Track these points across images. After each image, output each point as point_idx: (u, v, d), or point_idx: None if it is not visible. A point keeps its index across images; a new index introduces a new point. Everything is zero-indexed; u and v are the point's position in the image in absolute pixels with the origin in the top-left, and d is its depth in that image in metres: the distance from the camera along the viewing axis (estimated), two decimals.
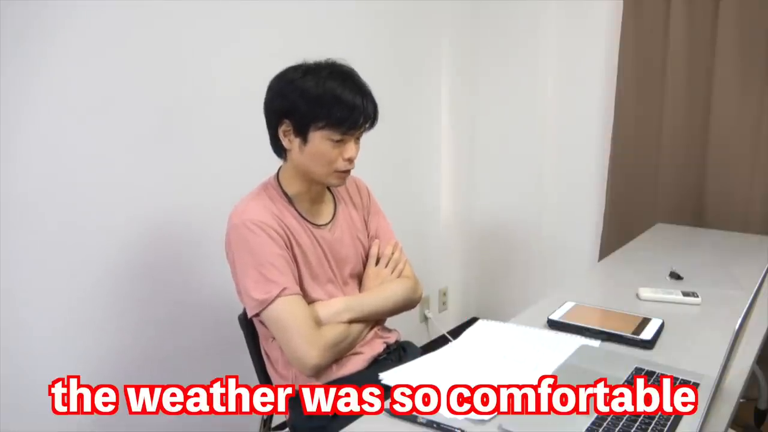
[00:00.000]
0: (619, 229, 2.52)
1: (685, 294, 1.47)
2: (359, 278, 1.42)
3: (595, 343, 1.24)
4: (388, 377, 1.10)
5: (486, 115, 2.94)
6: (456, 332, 1.31)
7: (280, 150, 1.29)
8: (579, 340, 1.24)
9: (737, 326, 0.80)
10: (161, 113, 1.71)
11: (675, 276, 1.64)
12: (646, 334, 1.24)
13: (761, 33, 2.10)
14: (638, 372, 1.07)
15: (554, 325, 1.32)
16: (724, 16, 2.14)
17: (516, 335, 1.28)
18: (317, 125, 1.19)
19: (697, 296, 1.46)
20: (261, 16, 1.93)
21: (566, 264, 2.83)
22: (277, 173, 1.33)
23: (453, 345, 1.25)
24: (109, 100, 1.59)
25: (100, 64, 1.55)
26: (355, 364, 1.31)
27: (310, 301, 1.27)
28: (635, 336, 1.23)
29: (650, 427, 0.90)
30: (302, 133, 1.21)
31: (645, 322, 1.30)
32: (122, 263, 1.66)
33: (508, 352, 1.19)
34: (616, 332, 1.25)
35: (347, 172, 1.27)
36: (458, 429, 0.91)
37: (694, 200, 2.35)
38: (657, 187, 2.41)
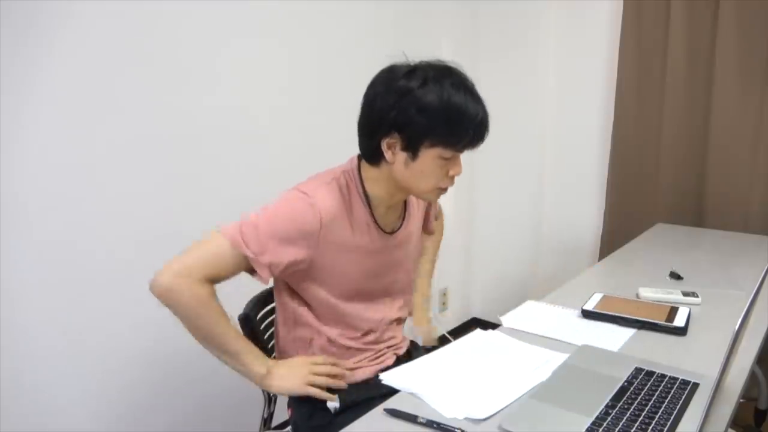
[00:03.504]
0: (619, 229, 2.52)
1: (685, 294, 1.47)
2: (394, 293, 1.35)
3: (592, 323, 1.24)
4: (388, 377, 1.10)
5: None
6: (456, 332, 1.30)
7: (376, 158, 1.16)
8: (580, 340, 1.24)
9: (737, 326, 0.80)
10: (162, 113, 1.70)
11: (675, 276, 1.64)
12: (679, 321, 1.28)
13: (761, 33, 2.10)
14: (638, 372, 1.07)
15: (588, 315, 1.35)
16: (724, 16, 2.14)
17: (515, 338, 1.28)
18: (432, 142, 1.09)
19: (697, 296, 1.46)
20: (261, 16, 1.93)
21: (566, 264, 2.84)
22: (359, 167, 1.21)
23: (453, 345, 1.25)
24: (110, 101, 1.59)
25: (100, 64, 1.55)
26: (364, 373, 1.30)
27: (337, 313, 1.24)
28: (669, 324, 1.27)
29: (650, 427, 0.90)
30: (412, 149, 1.10)
31: (674, 310, 1.34)
32: (122, 263, 1.66)
33: (508, 352, 1.19)
34: (650, 320, 1.29)
35: (447, 188, 1.18)
36: (458, 429, 0.91)
37: (694, 200, 2.36)
38: (657, 187, 2.41)
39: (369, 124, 1.13)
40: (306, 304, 1.24)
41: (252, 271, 1.13)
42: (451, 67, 1.12)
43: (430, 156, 1.10)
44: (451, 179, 1.15)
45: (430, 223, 1.53)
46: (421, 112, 1.06)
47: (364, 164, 1.19)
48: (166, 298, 1.08)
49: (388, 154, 1.12)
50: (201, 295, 1.09)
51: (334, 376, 1.21)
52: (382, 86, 1.11)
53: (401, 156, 1.12)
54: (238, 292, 1.43)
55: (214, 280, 1.11)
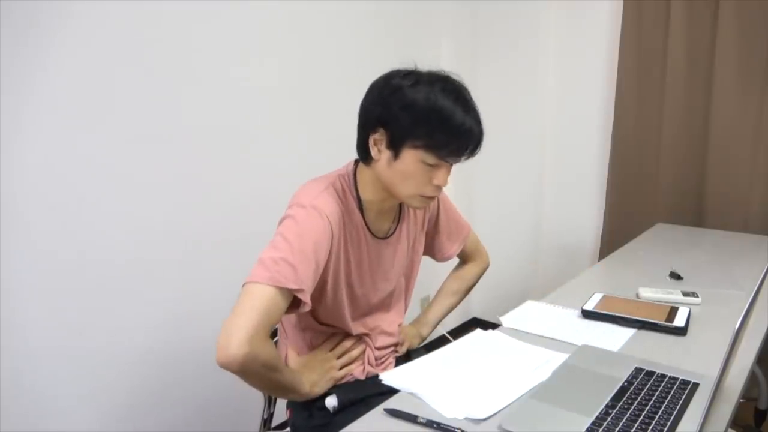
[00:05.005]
0: (619, 229, 2.52)
1: (685, 294, 1.47)
2: (387, 300, 1.35)
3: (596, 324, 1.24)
4: (388, 377, 1.10)
5: (485, 115, 2.91)
6: (456, 332, 1.30)
7: (366, 156, 1.16)
8: (580, 340, 1.24)
9: (737, 326, 0.80)
10: (162, 114, 1.71)
11: (675, 276, 1.64)
12: (679, 321, 1.28)
13: (761, 33, 2.10)
14: (638, 372, 1.07)
15: (588, 315, 1.36)
16: (724, 16, 2.14)
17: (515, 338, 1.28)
18: (414, 143, 1.07)
19: (697, 296, 1.46)
20: (261, 16, 1.93)
21: (566, 264, 2.84)
22: (354, 170, 1.21)
23: (453, 345, 1.25)
24: (109, 101, 1.59)
25: (100, 64, 1.56)
26: (361, 371, 1.31)
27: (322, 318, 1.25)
28: (669, 324, 1.27)
29: (650, 427, 0.90)
30: (395, 147, 1.09)
31: (674, 310, 1.35)
32: (123, 263, 1.66)
33: (508, 353, 1.19)
34: (650, 320, 1.29)
35: (433, 197, 1.16)
36: (458, 429, 0.91)
37: (694, 200, 2.36)
38: (657, 187, 2.41)
39: (360, 119, 1.15)
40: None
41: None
42: (449, 76, 1.12)
43: (411, 158, 1.09)
44: (436, 188, 1.13)
45: (453, 245, 1.46)
46: (405, 109, 1.06)
47: (360, 166, 1.20)
48: (244, 370, 1.00)
49: (374, 151, 1.12)
50: (274, 354, 1.06)
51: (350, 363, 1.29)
52: (377, 83, 1.13)
53: (386, 154, 1.11)
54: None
55: (272, 329, 1.08)
